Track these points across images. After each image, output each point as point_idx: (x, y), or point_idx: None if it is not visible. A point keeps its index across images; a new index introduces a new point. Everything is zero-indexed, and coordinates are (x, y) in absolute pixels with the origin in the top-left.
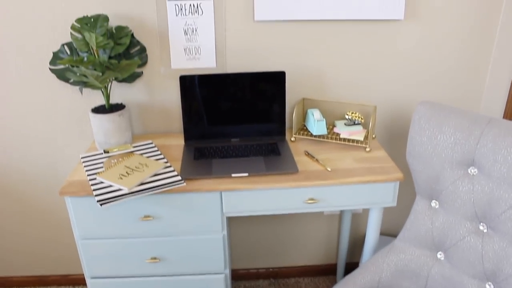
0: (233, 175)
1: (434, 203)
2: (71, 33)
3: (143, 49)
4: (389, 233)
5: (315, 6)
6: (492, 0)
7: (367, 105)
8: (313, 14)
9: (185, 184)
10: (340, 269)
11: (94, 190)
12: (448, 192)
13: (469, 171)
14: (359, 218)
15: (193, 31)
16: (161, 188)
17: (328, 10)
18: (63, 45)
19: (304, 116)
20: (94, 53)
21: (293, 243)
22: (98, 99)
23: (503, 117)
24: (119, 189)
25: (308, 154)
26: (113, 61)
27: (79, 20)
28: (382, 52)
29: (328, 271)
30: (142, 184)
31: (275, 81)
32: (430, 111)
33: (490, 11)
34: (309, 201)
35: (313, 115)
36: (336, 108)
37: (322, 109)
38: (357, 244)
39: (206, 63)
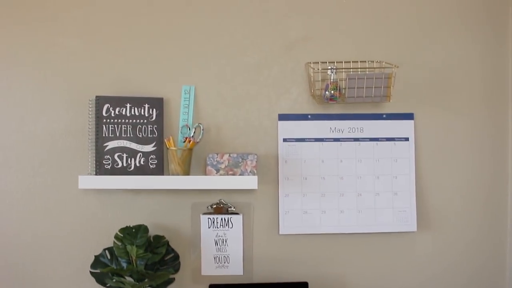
0: None
1: None
2: (114, 241)
3: (176, 257)
4: None
5: (334, 222)
6: (500, 204)
7: None
8: (333, 229)
9: None
10: None
11: None
12: None
13: None
14: None
15: (223, 242)
16: None
17: (346, 226)
18: (104, 249)
19: None
20: (133, 262)
21: None
22: None
23: None
24: None
25: None
26: (150, 271)
27: (122, 230)
28: (399, 260)
29: None
30: None
31: None
32: None
33: (497, 215)
34: None
35: None
36: None
37: None
38: None
39: (234, 271)
